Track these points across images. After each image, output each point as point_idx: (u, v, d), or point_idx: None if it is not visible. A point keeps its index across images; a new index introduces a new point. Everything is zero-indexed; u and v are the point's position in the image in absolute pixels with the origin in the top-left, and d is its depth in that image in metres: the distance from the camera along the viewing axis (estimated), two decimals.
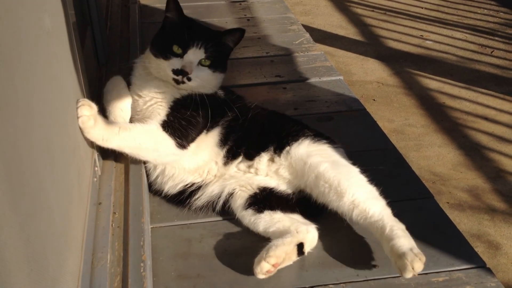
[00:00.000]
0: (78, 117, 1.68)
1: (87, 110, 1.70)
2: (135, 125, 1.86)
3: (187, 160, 1.94)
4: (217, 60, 1.96)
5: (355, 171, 1.83)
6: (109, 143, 1.80)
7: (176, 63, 1.90)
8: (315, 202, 1.82)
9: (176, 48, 1.91)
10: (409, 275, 1.55)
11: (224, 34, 2.00)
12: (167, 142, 1.86)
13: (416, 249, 1.58)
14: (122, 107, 1.95)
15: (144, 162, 1.97)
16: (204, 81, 1.94)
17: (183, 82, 1.92)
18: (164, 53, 1.92)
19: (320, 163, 1.79)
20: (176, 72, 1.90)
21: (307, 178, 1.82)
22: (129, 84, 2.03)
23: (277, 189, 1.89)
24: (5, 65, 1.02)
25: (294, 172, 1.87)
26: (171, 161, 1.92)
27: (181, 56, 1.91)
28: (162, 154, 1.89)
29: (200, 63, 1.92)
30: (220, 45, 1.97)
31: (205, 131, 1.95)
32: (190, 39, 1.90)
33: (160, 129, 1.86)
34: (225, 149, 1.96)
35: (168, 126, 1.87)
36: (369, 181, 1.80)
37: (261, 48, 3.31)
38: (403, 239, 1.61)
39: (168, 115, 1.90)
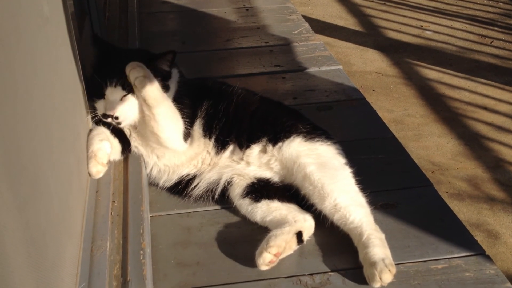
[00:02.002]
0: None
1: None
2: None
3: (180, 154, 1.92)
4: None
5: (343, 174, 1.80)
6: (158, 108, 1.76)
7: (101, 106, 1.79)
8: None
9: (101, 89, 1.77)
10: (376, 285, 1.54)
11: (153, 60, 1.84)
12: (180, 122, 1.86)
13: (389, 260, 1.57)
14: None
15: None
16: (138, 110, 1.81)
17: (118, 123, 1.81)
18: (91, 95, 1.79)
19: (308, 164, 1.78)
20: (103, 116, 1.78)
21: (295, 177, 1.82)
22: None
23: (273, 179, 1.89)
24: (4, 51, 1.02)
25: (285, 168, 1.86)
26: (172, 149, 1.89)
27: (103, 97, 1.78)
28: (176, 133, 1.85)
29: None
30: None
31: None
32: (106, 78, 1.76)
33: None
34: (213, 138, 1.93)
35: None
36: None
37: (260, 38, 3.30)
38: (378, 248, 1.59)
39: None
